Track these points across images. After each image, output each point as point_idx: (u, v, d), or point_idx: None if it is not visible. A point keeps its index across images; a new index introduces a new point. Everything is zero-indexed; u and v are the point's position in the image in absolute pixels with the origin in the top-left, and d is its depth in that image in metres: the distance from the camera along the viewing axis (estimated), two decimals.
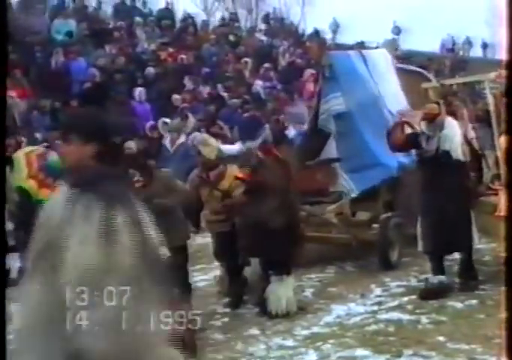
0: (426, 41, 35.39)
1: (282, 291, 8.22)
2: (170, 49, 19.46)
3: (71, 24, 19.07)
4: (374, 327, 7.75)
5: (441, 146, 8.61)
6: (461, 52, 35.38)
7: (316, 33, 28.36)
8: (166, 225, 8.02)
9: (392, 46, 24.25)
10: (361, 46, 24.71)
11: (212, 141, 9.06)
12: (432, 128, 8.69)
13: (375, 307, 8.37)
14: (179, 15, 25.84)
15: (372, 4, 46.39)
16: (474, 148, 9.54)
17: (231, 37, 23.19)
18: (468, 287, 8.70)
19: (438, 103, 8.94)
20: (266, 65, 20.48)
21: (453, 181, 8.62)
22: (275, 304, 8.16)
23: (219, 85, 18.94)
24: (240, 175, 8.62)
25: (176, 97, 17.04)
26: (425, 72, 12.79)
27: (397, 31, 33.22)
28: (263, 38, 25.67)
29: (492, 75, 9.88)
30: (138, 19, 22.23)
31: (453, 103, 10.30)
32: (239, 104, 17.37)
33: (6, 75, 3.24)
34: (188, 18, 24.84)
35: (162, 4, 26.44)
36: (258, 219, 8.13)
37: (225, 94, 18.37)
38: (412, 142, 8.83)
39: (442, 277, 8.68)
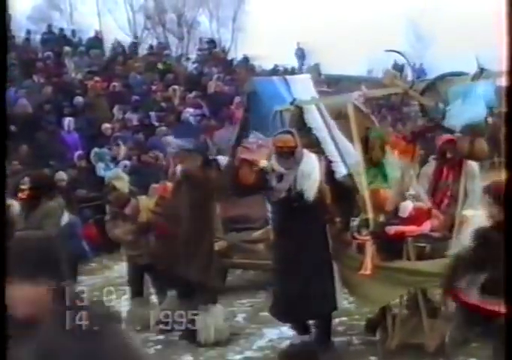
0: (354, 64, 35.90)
1: (210, 320, 8.10)
2: (97, 78, 19.33)
3: None
4: None
5: (297, 185, 7.07)
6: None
7: (245, 59, 28.51)
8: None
9: (315, 71, 24.34)
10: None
11: (123, 174, 9.12)
12: (287, 165, 7.13)
13: None
14: (109, 43, 25.84)
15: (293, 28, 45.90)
16: (344, 187, 7.73)
17: (159, 65, 23.24)
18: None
19: (291, 134, 7.28)
20: (195, 93, 20.52)
21: (309, 228, 7.08)
22: (202, 334, 8.06)
23: (151, 113, 18.90)
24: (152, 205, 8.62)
25: (106, 125, 16.93)
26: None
27: (300, 53, 32.56)
28: (193, 65, 25.74)
29: (356, 94, 8.78)
30: (67, 48, 22.20)
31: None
32: (166, 131, 17.36)
33: (6, 76, 3.24)
34: (118, 47, 24.89)
35: (92, 33, 26.51)
36: (177, 249, 8.13)
37: (156, 123, 18.35)
38: (258, 180, 7.12)
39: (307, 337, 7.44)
